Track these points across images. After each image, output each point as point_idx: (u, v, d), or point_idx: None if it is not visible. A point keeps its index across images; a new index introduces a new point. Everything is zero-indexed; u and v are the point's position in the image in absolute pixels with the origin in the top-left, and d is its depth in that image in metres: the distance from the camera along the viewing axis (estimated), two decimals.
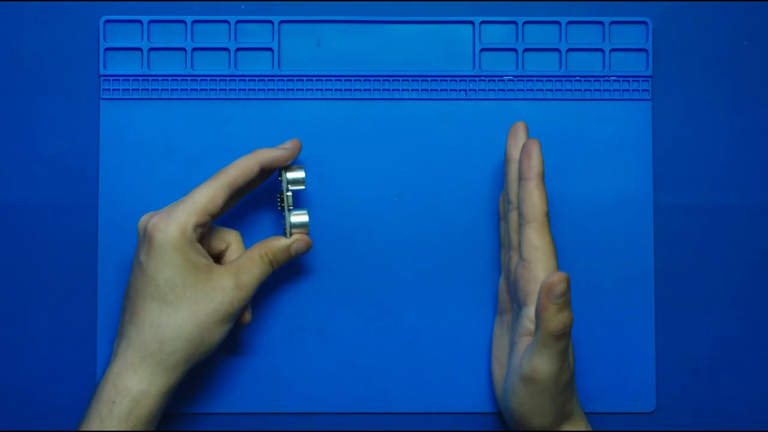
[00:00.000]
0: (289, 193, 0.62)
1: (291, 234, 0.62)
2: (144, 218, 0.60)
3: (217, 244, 0.62)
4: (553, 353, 0.56)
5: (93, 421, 0.57)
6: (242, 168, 0.60)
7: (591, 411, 0.65)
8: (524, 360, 0.57)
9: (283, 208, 0.62)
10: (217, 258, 0.63)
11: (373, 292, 0.66)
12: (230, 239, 0.63)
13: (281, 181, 0.62)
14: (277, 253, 0.62)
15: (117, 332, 0.60)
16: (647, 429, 0.66)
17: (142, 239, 0.59)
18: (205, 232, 0.60)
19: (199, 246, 0.59)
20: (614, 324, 0.66)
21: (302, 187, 0.63)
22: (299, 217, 0.62)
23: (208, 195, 0.59)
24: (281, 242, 0.62)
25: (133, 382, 0.57)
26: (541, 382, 0.57)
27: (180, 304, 0.58)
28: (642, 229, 0.66)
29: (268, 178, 0.64)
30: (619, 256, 0.66)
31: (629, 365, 0.66)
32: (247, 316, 0.62)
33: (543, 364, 0.56)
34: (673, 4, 0.68)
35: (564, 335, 0.55)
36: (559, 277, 0.54)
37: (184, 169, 0.66)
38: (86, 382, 0.65)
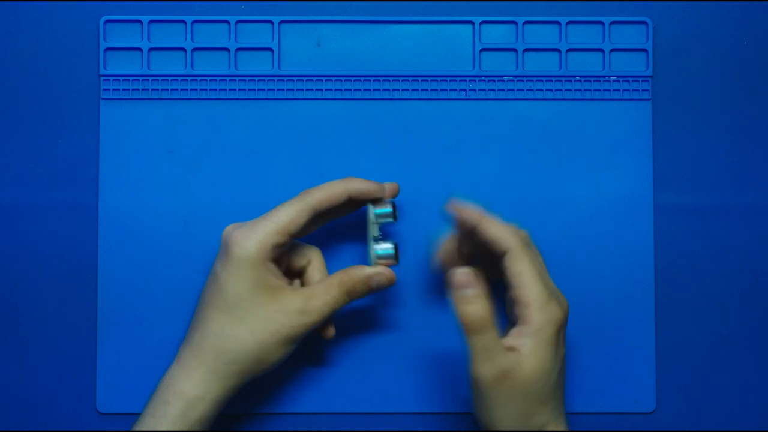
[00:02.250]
0: (376, 225, 0.62)
1: (375, 264, 0.61)
2: (228, 229, 0.60)
3: (299, 259, 0.62)
4: (476, 351, 0.55)
5: (147, 419, 0.58)
6: (329, 193, 0.60)
7: (591, 411, 0.65)
8: (470, 369, 0.56)
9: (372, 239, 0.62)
10: (298, 274, 0.63)
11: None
12: (311, 255, 0.63)
13: (369, 212, 0.62)
14: (357, 283, 0.60)
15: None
16: (647, 429, 0.66)
17: (223, 250, 0.59)
18: (284, 251, 0.60)
19: (273, 266, 0.59)
20: (614, 324, 0.66)
21: (391, 220, 0.62)
22: (384, 248, 0.61)
23: (291, 215, 0.59)
24: (363, 271, 0.61)
25: (188, 386, 0.58)
26: (479, 386, 0.56)
27: (244, 319, 0.58)
28: (642, 229, 0.66)
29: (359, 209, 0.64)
30: (619, 256, 0.66)
31: (629, 365, 0.66)
32: (331, 331, 0.62)
33: (475, 368, 0.56)
34: (673, 4, 0.68)
35: (481, 329, 0.55)
36: (461, 271, 0.56)
37: (184, 169, 0.66)
38: (86, 382, 0.65)
